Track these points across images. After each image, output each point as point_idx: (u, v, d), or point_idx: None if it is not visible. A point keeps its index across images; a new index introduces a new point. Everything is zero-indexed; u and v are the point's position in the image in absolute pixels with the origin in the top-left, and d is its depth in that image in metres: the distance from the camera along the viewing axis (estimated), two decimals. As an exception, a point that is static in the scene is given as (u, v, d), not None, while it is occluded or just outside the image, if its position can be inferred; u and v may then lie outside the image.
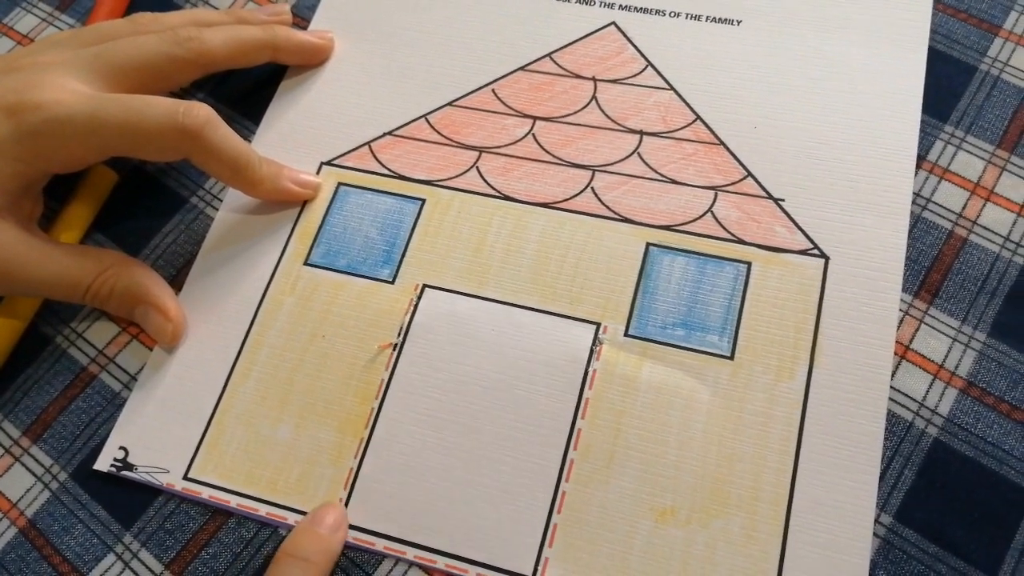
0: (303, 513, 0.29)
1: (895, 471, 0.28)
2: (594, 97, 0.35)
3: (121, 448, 0.31)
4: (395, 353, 0.31)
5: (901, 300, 0.30)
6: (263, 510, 0.29)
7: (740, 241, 0.31)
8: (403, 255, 0.33)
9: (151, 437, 0.31)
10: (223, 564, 0.29)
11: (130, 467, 0.30)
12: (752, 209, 0.32)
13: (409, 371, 0.31)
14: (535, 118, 0.35)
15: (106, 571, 0.29)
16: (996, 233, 0.31)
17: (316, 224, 0.34)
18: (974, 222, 0.31)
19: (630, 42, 0.36)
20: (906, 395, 0.29)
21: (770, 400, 0.29)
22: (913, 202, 0.32)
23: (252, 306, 0.32)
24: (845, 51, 0.34)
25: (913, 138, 0.32)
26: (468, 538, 0.28)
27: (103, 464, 0.30)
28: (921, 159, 0.32)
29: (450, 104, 0.36)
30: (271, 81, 0.38)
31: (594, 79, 0.36)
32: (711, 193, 0.32)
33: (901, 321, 0.30)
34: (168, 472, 0.30)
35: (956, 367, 0.29)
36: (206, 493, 0.29)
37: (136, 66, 0.32)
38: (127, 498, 0.30)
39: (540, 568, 0.27)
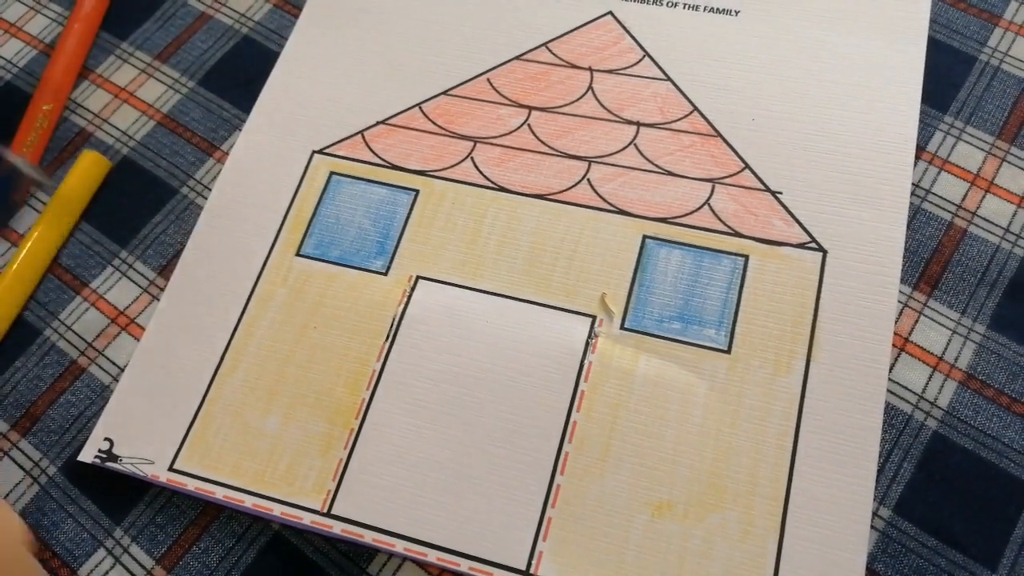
0: (290, 504, 0.28)
1: (894, 464, 0.27)
2: (590, 87, 0.35)
3: (106, 439, 0.30)
4: (387, 344, 0.31)
5: (900, 292, 0.30)
6: (249, 501, 0.29)
7: (737, 234, 0.31)
8: (396, 246, 0.32)
9: (137, 428, 0.30)
10: (215, 559, 0.28)
11: (115, 458, 0.30)
12: (749, 202, 0.32)
13: (401, 362, 0.30)
14: (531, 108, 0.35)
15: (97, 566, 0.29)
16: (996, 224, 0.31)
17: (308, 214, 0.33)
18: (974, 213, 0.31)
19: (627, 32, 0.36)
20: (905, 387, 0.29)
21: (767, 394, 0.28)
22: (912, 193, 0.31)
23: (242, 297, 0.32)
24: (844, 41, 0.34)
25: (912, 129, 0.32)
26: (460, 531, 0.27)
27: (87, 455, 0.30)
28: (921, 150, 0.32)
29: (445, 93, 0.35)
30: (262, 69, 0.37)
31: (591, 69, 0.35)
32: (708, 185, 0.32)
33: (900, 313, 0.30)
34: (153, 463, 0.30)
35: (956, 359, 0.29)
36: (192, 484, 0.29)
37: None
38: (117, 492, 0.30)
39: (534, 562, 0.27)
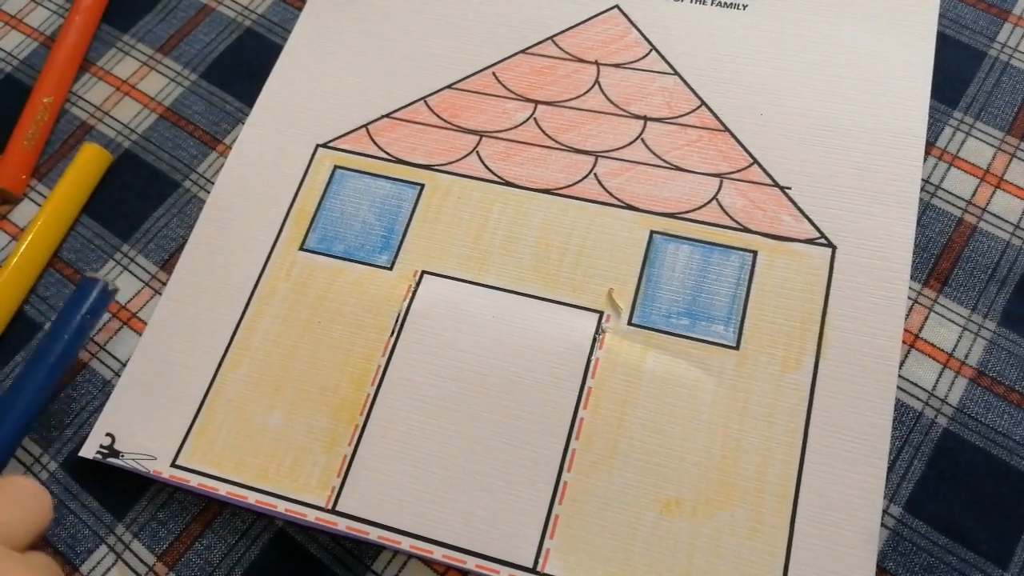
0: (294, 501, 0.28)
1: (904, 462, 0.27)
2: (597, 81, 0.34)
3: (108, 435, 0.30)
4: (392, 340, 0.30)
5: (910, 288, 0.29)
6: (252, 498, 0.28)
7: (746, 229, 0.31)
8: (402, 241, 0.32)
9: (139, 424, 0.30)
10: (217, 555, 0.28)
11: (116, 454, 0.29)
12: (758, 197, 0.31)
13: (406, 358, 0.30)
14: (537, 102, 0.34)
15: (98, 563, 0.28)
16: (1006, 221, 0.31)
17: (312, 208, 0.33)
18: (984, 209, 0.31)
19: (634, 26, 0.35)
20: (916, 385, 0.28)
21: (776, 391, 0.28)
22: (922, 189, 0.31)
23: (245, 292, 0.32)
24: (853, 36, 0.34)
25: (922, 125, 0.32)
26: (466, 528, 0.27)
27: (89, 451, 0.30)
28: (930, 145, 0.32)
29: (450, 87, 0.35)
30: (265, 62, 0.37)
31: (597, 63, 0.35)
32: (716, 180, 0.32)
33: (910, 310, 0.29)
34: (155, 459, 0.29)
35: (966, 356, 0.29)
36: (194, 481, 0.29)
37: None
38: (119, 488, 0.30)
39: (541, 560, 0.27)
